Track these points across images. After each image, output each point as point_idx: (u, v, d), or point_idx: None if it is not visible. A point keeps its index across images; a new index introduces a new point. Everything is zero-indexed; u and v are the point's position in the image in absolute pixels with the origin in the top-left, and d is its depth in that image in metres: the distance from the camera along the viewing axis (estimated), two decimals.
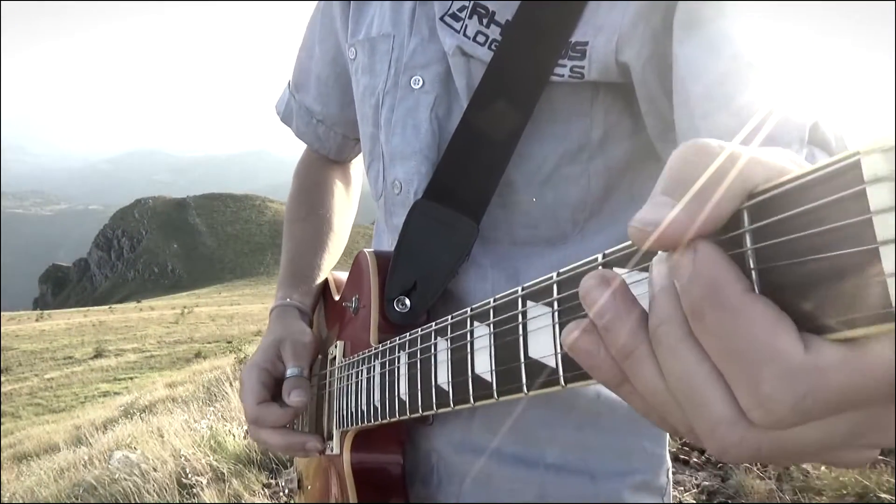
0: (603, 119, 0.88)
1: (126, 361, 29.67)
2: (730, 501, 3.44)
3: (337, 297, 1.14)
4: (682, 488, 3.54)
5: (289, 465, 5.11)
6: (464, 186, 0.90)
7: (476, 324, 0.56)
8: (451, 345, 0.61)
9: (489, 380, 0.53)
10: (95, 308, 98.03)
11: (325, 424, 1.05)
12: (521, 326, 0.49)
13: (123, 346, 34.94)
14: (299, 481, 1.25)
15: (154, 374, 24.01)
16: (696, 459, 3.83)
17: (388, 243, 1.09)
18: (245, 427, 6.15)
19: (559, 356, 0.45)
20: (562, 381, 0.44)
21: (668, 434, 1.04)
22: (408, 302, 0.91)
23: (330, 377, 1.04)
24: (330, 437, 1.00)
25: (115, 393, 20.71)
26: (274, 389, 1.00)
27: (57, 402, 22.27)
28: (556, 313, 0.46)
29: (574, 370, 0.44)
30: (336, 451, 0.96)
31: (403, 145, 0.96)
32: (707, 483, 3.59)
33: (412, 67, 0.96)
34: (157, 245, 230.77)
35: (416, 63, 0.95)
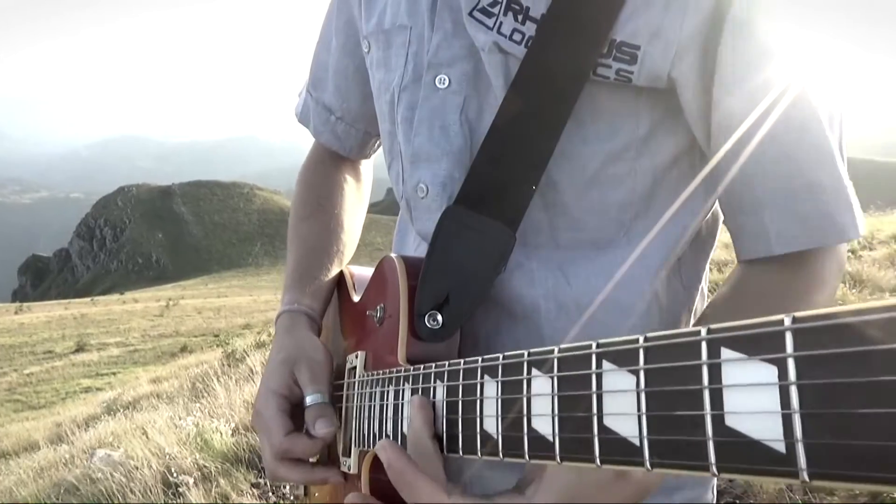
0: (649, 117, 0.86)
1: (109, 356, 29.67)
2: (738, 501, 3.44)
3: (356, 298, 1.10)
4: None
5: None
6: (499, 191, 0.87)
7: (535, 372, 0.52)
8: (502, 391, 0.57)
9: (551, 441, 0.50)
10: (77, 300, 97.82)
11: (340, 439, 1.01)
12: (594, 393, 0.46)
13: (106, 340, 34.91)
14: (306, 487, 1.22)
15: (138, 368, 24.01)
16: None
17: (413, 246, 1.07)
18: (233, 425, 6.16)
19: (645, 439, 0.41)
20: (647, 465, 0.41)
21: None
22: (440, 318, 0.86)
23: (348, 389, 1.00)
24: (346, 453, 0.97)
25: (98, 389, 20.71)
26: (293, 417, 0.95)
27: (37, 399, 22.26)
28: (641, 384, 0.42)
29: (663, 455, 0.41)
30: (353, 470, 0.93)
31: (430, 146, 0.93)
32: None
33: (436, 65, 0.92)
34: (140, 234, 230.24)
35: (441, 60, 0.91)
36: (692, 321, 1.00)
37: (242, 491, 4.79)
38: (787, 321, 0.33)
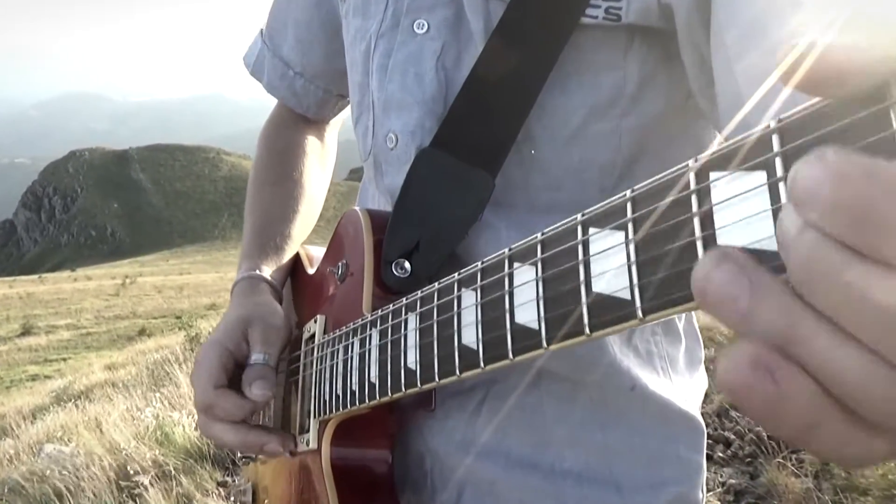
0: (638, 71, 0.87)
1: (58, 340, 29.66)
2: (759, 502, 3.45)
3: (311, 270, 1.13)
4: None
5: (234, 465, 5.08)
6: (479, 135, 0.89)
7: (517, 265, 0.57)
8: (481, 296, 0.62)
9: (536, 327, 0.53)
10: (23, 277, 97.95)
11: (296, 418, 1.02)
12: (581, 261, 0.49)
13: (55, 322, 34.91)
14: (254, 493, 1.21)
15: (91, 354, 24.02)
16: (720, 454, 3.83)
17: (377, 207, 1.08)
18: (195, 417, 6.14)
19: (636, 287, 0.44)
20: (640, 314, 0.44)
21: (705, 438, 1.03)
22: (408, 265, 0.89)
23: (306, 358, 1.01)
24: (304, 429, 0.97)
25: (46, 376, 20.70)
26: (234, 375, 0.96)
27: None
28: (629, 235, 0.45)
29: (653, 297, 0.43)
30: (313, 444, 0.93)
31: (402, 93, 0.96)
32: (734, 481, 3.60)
33: (415, 10, 0.95)
34: (94, 204, 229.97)
35: (421, 5, 0.95)
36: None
37: (207, 491, 4.78)
38: (773, 123, 0.35)
